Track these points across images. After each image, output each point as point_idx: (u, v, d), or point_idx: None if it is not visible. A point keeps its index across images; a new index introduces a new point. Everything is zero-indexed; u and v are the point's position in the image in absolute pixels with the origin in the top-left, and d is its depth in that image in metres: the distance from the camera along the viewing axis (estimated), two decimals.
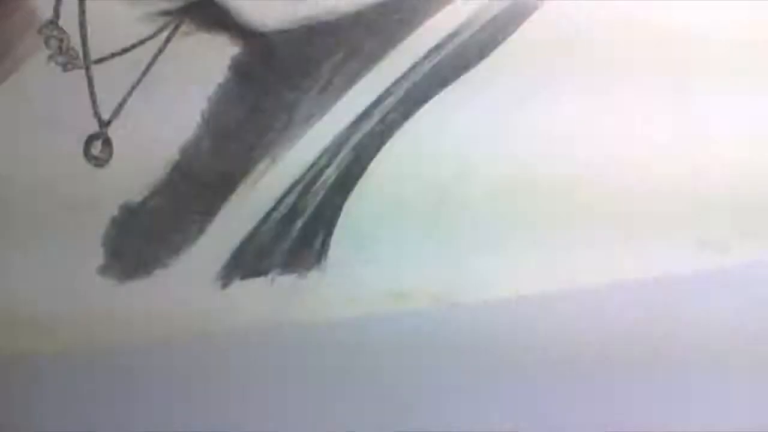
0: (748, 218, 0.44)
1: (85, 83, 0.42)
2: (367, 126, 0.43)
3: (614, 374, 0.46)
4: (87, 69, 0.42)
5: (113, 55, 0.42)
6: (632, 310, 0.46)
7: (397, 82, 0.43)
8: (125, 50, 0.42)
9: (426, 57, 0.42)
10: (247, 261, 0.45)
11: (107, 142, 0.43)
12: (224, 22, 0.41)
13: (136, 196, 0.44)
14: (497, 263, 0.45)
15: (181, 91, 0.42)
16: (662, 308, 0.46)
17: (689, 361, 0.46)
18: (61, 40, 0.41)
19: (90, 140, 0.43)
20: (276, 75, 0.42)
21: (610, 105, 0.43)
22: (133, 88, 0.42)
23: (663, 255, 0.45)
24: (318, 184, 0.44)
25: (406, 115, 0.43)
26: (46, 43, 0.42)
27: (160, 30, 0.41)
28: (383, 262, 0.45)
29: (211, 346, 0.46)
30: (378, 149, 0.44)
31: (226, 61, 0.42)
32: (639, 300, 0.46)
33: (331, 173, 0.44)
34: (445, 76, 0.42)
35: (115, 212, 0.44)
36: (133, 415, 0.47)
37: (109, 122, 0.43)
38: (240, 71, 0.42)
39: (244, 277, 0.45)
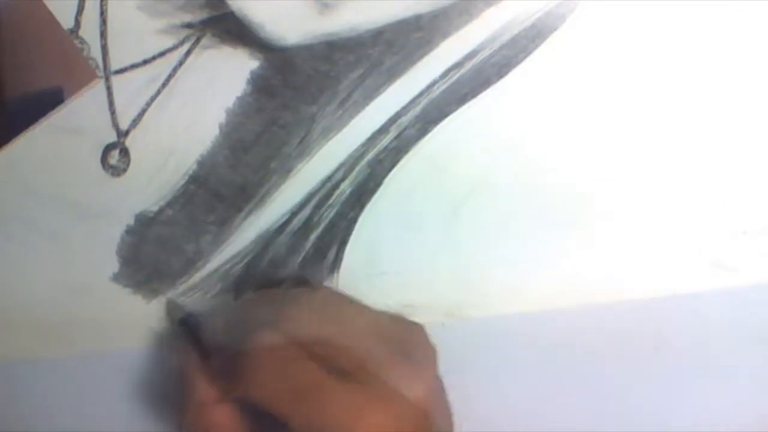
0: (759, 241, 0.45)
1: (104, 93, 0.42)
2: (383, 142, 0.43)
3: (624, 386, 0.47)
4: (107, 79, 0.42)
5: (133, 66, 0.42)
6: (643, 326, 0.46)
7: (414, 99, 0.43)
8: (146, 61, 0.42)
9: (444, 75, 0.42)
10: (261, 272, 0.45)
11: (125, 152, 0.43)
12: (245, 36, 0.41)
13: (152, 205, 0.44)
14: (508, 279, 0.46)
15: (200, 103, 0.42)
16: (672, 324, 0.46)
17: (698, 374, 0.47)
18: (81, 50, 0.41)
19: (107, 149, 0.43)
20: (295, 89, 0.42)
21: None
22: (153, 99, 0.42)
23: (674, 275, 0.45)
24: (333, 197, 0.44)
25: (422, 132, 0.43)
26: None
27: (181, 42, 0.42)
28: (396, 275, 0.46)
29: None
30: (393, 165, 0.44)
31: (246, 75, 0.42)
32: (648, 317, 0.46)
33: (346, 187, 0.44)
34: (463, 94, 0.43)
35: (131, 221, 0.44)
36: (147, 418, 0.47)
37: (127, 132, 0.43)
38: (259, 85, 0.42)
39: (257, 287, 0.46)
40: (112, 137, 0.43)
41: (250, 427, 0.39)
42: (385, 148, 0.43)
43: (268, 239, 0.45)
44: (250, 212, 0.44)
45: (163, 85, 0.42)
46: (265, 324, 0.38)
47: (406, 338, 0.39)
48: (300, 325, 0.38)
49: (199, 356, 0.41)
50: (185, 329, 0.44)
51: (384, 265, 0.45)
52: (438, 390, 0.39)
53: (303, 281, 0.44)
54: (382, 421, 0.35)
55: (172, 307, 0.45)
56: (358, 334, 0.39)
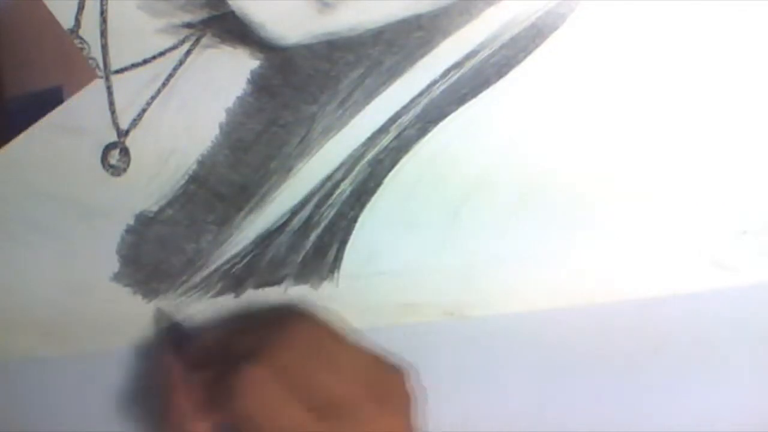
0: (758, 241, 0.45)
1: (104, 93, 0.42)
2: (383, 141, 0.43)
3: (624, 386, 0.47)
4: (107, 78, 0.42)
5: (133, 66, 0.42)
6: (643, 326, 0.46)
7: (414, 99, 0.43)
8: (146, 61, 0.42)
9: (444, 75, 0.42)
10: (261, 271, 0.45)
11: (125, 152, 0.43)
12: (245, 36, 0.41)
13: (152, 205, 0.44)
14: (508, 279, 0.46)
15: (200, 102, 0.42)
16: (672, 324, 0.46)
17: (698, 374, 0.47)
18: (82, 50, 0.41)
19: (107, 149, 0.43)
20: (295, 89, 0.42)
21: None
22: (153, 98, 0.42)
23: (674, 275, 0.45)
24: (333, 197, 0.44)
25: (422, 132, 0.43)
26: None
27: (182, 42, 0.42)
28: (396, 274, 0.46)
29: None
30: (393, 165, 0.44)
31: (246, 74, 0.42)
32: (648, 317, 0.46)
33: (346, 187, 0.44)
34: (463, 94, 0.43)
35: (131, 221, 0.44)
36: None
37: (127, 132, 0.43)
38: (259, 84, 0.42)
39: (257, 286, 0.46)
40: (112, 137, 0.43)
41: None
42: (385, 148, 0.43)
43: (268, 239, 0.45)
44: (250, 212, 0.44)
45: (163, 84, 0.42)
46: (253, 352, 0.39)
47: (385, 382, 0.40)
48: (286, 358, 0.39)
49: (184, 368, 0.42)
50: (172, 338, 0.44)
51: (384, 265, 0.45)
52: None
53: (294, 306, 0.45)
54: None
55: (160, 316, 0.45)
56: (340, 372, 0.40)
